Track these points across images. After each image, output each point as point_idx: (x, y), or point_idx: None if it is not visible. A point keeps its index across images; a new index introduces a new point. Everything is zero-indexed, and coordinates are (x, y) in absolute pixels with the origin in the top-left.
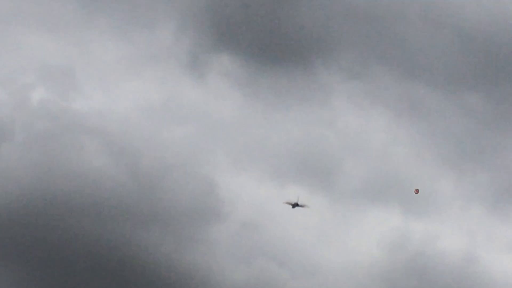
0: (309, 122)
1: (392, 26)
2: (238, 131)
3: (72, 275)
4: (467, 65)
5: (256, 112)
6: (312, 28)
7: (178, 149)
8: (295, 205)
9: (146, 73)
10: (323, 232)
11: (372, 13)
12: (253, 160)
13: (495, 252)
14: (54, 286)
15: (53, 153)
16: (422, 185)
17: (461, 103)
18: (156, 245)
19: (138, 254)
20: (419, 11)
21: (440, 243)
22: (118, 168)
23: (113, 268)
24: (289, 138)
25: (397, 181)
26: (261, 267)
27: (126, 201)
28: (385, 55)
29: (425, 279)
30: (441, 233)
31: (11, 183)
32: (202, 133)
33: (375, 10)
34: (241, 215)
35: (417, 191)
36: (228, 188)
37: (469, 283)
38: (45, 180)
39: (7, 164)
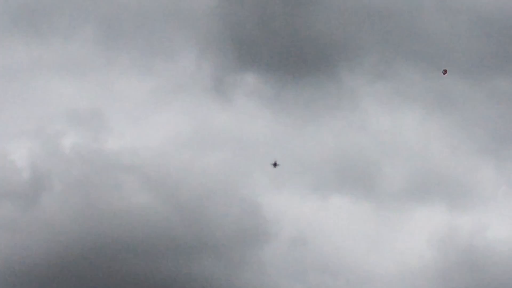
0: (341, 129)
1: (409, 21)
2: (272, 148)
3: None
4: (490, 48)
5: (287, 126)
6: (330, 34)
7: (216, 175)
8: (275, 164)
9: (174, 103)
10: (371, 238)
11: (387, 11)
12: (292, 175)
13: None
14: None
15: (93, 196)
16: (463, 177)
17: (491, 88)
18: (208, 273)
19: (191, 284)
20: (434, 1)
21: (490, 233)
22: (159, 202)
23: None
24: (324, 148)
25: (438, 177)
26: (315, 281)
27: (172, 233)
28: (407, 50)
29: (479, 272)
30: (490, 223)
31: (55, 232)
32: (237, 155)
33: (390, 7)
34: (288, 232)
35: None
36: (271, 207)
37: None
38: (88, 224)
39: (49, 214)
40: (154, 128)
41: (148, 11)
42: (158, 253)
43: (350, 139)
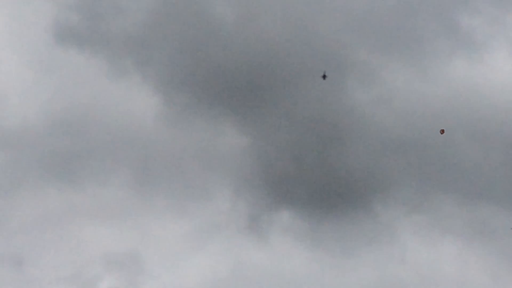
0: (380, 263)
1: (443, 153)
2: (312, 285)
3: None
4: None
5: (325, 262)
6: (363, 168)
7: None
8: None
9: (210, 244)
10: None
11: (419, 143)
12: None
13: None
14: None
15: None
16: None
17: None
18: None
19: None
20: (465, 131)
21: None
22: None
23: None
24: (363, 282)
25: None
26: None
27: None
28: (441, 181)
29: None
30: None
31: None
32: None
33: (421, 140)
34: None
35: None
36: None
37: None
38: None
39: None
40: (192, 269)
41: (180, 153)
42: None
43: (389, 272)
